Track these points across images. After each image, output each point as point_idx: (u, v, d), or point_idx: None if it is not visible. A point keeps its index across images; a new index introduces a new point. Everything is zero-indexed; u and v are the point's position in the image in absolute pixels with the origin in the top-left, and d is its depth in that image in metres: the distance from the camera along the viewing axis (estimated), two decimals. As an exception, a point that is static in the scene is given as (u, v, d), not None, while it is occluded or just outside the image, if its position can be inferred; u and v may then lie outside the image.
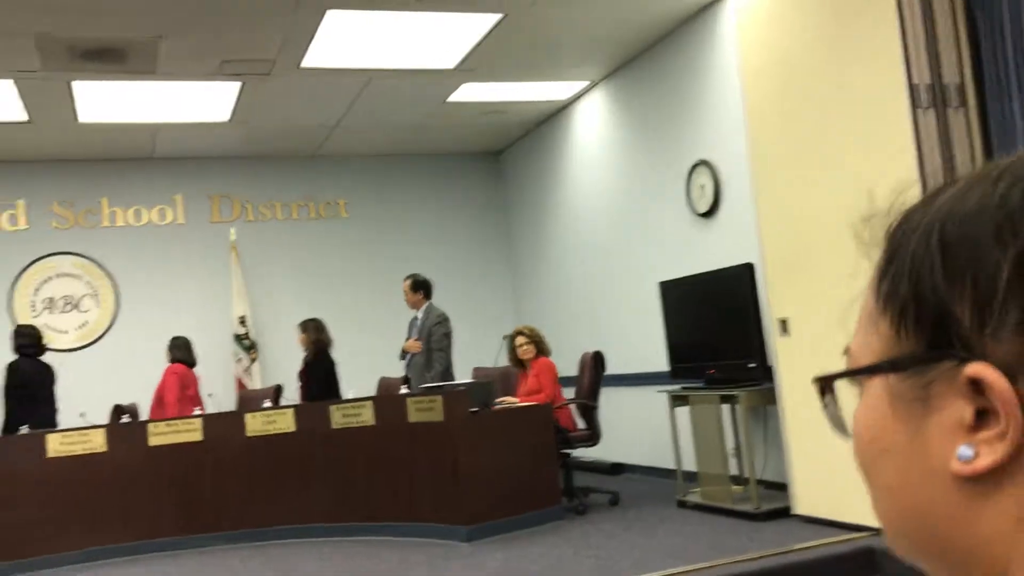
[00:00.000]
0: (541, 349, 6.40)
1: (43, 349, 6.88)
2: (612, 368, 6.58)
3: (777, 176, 4.89)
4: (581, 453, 6.70)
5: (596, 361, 6.32)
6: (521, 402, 6.02)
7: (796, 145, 4.73)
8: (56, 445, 6.04)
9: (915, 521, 0.46)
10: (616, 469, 7.51)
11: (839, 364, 0.51)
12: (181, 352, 7.38)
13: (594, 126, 7.88)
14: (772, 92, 4.90)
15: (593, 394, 6.27)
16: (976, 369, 0.41)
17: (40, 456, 5.99)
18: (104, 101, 6.84)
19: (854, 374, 0.49)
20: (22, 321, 7.95)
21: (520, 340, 6.43)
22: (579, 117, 8.13)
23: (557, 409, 6.08)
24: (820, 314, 4.56)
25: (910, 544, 0.47)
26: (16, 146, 7.77)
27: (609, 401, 6.66)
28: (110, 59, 5.95)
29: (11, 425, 6.36)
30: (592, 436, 6.22)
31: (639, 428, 7.16)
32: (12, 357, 6.76)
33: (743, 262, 5.46)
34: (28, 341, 6.78)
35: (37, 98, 6.60)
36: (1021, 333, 0.41)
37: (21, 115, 6.93)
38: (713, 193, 6.23)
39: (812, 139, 4.61)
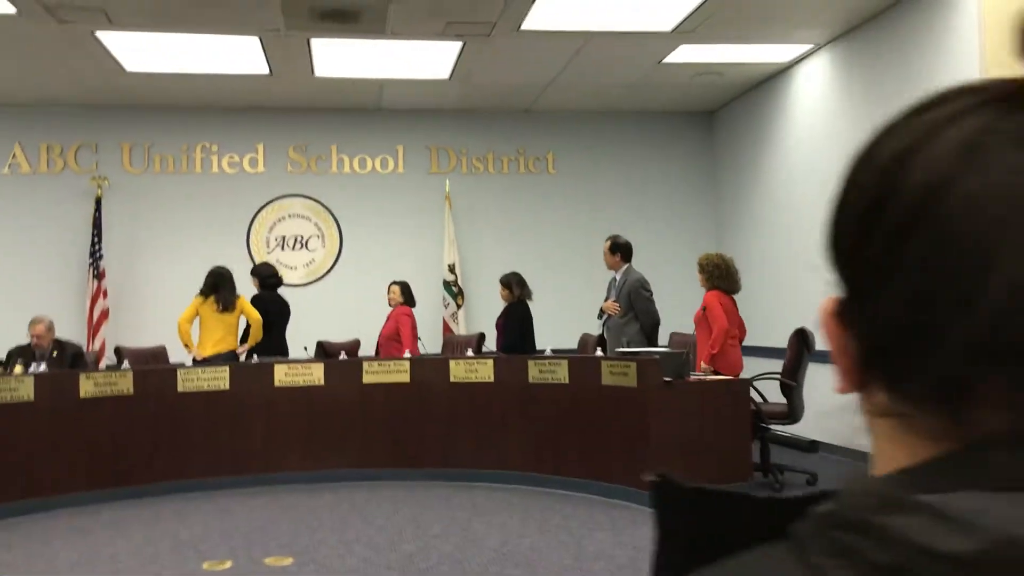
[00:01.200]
0: (713, 281, 6.09)
1: (280, 283, 7.56)
2: (819, 343, 6.38)
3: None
4: (777, 428, 6.57)
5: (800, 339, 6.15)
6: (705, 362, 5.94)
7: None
8: (282, 375, 6.64)
9: None
10: (813, 446, 7.31)
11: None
12: (408, 296, 7.81)
13: (815, 92, 7.54)
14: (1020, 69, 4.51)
15: (794, 372, 6.12)
16: None
17: (268, 384, 6.60)
18: (338, 57, 7.29)
19: None
20: (257, 255, 8.72)
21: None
22: (800, 81, 7.79)
23: (720, 344, 5.90)
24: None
25: None
26: (258, 96, 8.44)
27: (813, 378, 6.47)
28: (345, 20, 6.33)
29: (253, 351, 7.05)
30: (790, 414, 6.09)
31: (842, 408, 6.91)
32: (246, 287, 7.45)
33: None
34: (271, 276, 7.46)
35: (279, 53, 7.13)
36: None
37: (263, 69, 7.52)
38: (941, 171, 5.82)
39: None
